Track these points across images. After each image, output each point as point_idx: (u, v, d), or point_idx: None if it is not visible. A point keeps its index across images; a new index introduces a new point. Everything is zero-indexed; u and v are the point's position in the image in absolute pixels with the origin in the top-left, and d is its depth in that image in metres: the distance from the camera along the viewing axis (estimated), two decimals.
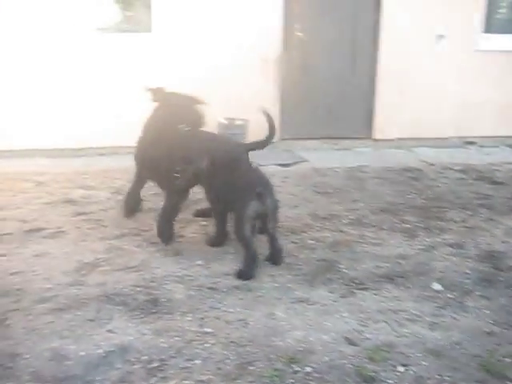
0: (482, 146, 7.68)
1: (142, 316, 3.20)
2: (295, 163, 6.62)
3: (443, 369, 2.77)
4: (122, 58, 6.41)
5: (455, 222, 4.87)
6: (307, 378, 2.66)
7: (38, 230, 4.42)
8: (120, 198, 5.04)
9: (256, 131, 6.52)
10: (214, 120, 6.27)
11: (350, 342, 2.97)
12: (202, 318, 3.18)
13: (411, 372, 2.74)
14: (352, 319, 3.22)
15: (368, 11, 6.90)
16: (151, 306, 3.32)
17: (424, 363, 2.82)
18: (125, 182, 5.35)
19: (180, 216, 4.73)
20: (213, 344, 2.92)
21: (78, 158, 6.54)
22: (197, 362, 2.77)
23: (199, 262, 3.93)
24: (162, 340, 2.96)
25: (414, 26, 6.97)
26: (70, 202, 5.07)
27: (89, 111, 6.47)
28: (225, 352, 2.86)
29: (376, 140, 7.38)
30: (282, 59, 6.84)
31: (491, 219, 4.95)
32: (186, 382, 2.63)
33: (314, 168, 6.44)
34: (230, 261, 3.96)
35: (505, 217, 5.02)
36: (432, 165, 6.75)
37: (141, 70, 6.46)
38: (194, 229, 4.54)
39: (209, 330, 3.05)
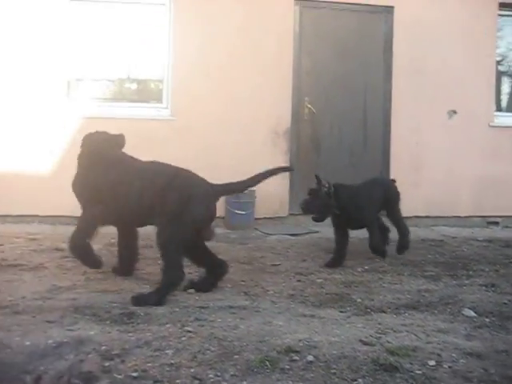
0: (506, 227, 7.15)
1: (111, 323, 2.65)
2: (305, 233, 6.16)
3: (488, 366, 2.14)
4: None
5: (484, 271, 4.28)
6: (308, 366, 2.05)
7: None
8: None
9: (264, 200, 6.33)
10: None
11: (366, 343, 2.37)
12: (184, 325, 2.61)
13: (446, 366, 2.11)
14: (368, 328, 2.62)
15: (379, 82, 6.83)
16: (126, 318, 2.77)
17: (462, 361, 2.19)
18: None
19: None
20: (190, 337, 2.34)
21: None
22: (168, 351, 2.19)
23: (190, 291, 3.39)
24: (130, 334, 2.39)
25: (425, 99, 6.82)
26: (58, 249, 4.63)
27: None
28: (205, 345, 2.27)
29: None
30: (291, 132, 6.66)
31: None
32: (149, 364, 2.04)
33: (325, 237, 5.94)
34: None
35: None
36: (454, 237, 6.21)
37: None
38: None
39: (190, 328, 2.48)
